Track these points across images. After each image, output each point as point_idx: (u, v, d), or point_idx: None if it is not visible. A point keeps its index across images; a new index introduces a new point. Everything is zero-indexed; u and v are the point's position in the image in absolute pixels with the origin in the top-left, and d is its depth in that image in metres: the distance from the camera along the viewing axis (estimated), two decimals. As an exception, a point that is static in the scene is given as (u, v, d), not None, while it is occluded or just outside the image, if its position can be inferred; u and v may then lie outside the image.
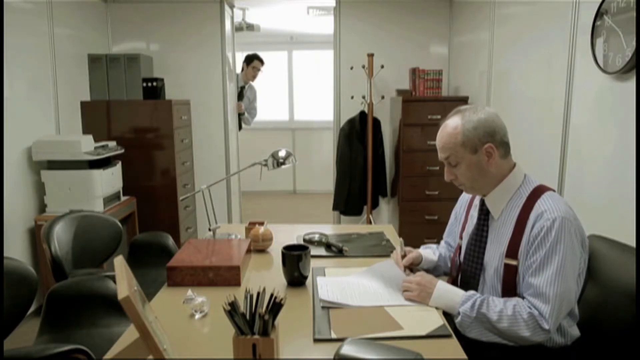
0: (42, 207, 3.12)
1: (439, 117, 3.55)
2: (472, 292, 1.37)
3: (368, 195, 4.02)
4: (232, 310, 1.03)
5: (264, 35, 5.74)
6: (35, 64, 3.12)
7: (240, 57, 4.99)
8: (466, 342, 1.27)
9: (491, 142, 1.39)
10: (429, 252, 1.70)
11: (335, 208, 4.22)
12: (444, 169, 1.48)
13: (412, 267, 1.64)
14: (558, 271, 1.28)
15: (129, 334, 1.21)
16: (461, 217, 1.64)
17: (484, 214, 1.49)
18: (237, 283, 1.54)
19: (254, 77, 4.96)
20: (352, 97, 4.12)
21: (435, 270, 1.69)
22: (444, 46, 4.19)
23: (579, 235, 1.33)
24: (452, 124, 1.42)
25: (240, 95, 4.91)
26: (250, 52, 4.94)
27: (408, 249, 1.67)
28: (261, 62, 4.95)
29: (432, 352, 1.13)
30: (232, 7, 4.47)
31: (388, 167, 4.23)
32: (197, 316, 1.32)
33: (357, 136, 4.05)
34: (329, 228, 2.18)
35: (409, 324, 1.26)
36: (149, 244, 2.41)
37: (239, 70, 4.94)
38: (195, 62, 4.15)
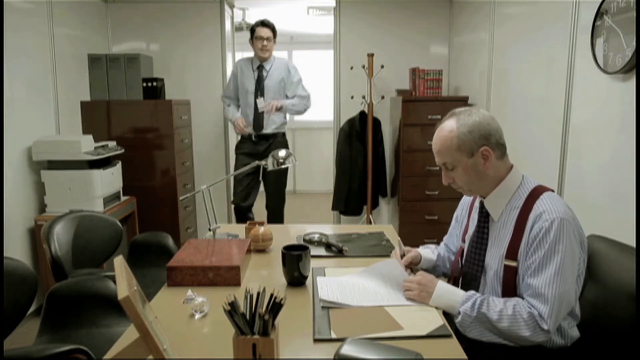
0: (42, 207, 3.12)
1: (439, 117, 3.54)
2: (472, 291, 1.37)
3: (368, 195, 4.02)
4: (232, 310, 1.03)
5: (264, 35, 5.73)
6: (35, 64, 3.12)
7: (240, 57, 4.89)
8: (466, 342, 1.27)
9: (487, 144, 1.39)
10: (428, 252, 1.70)
11: (335, 208, 4.22)
12: (442, 172, 1.49)
13: (411, 267, 1.64)
14: (557, 272, 1.28)
15: (129, 334, 1.21)
16: (463, 220, 1.65)
17: (484, 217, 1.49)
18: (237, 283, 1.54)
19: (263, 50, 3.56)
20: (352, 97, 4.12)
21: (434, 270, 1.69)
22: (444, 46, 4.19)
23: (577, 235, 1.33)
24: (447, 127, 1.42)
25: (258, 83, 3.60)
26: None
27: (407, 248, 1.67)
28: (268, 26, 3.57)
29: (432, 352, 1.13)
30: (232, 7, 4.48)
31: (388, 167, 4.23)
32: (197, 316, 1.32)
33: (357, 136, 4.05)
34: (329, 228, 2.18)
35: (409, 324, 1.26)
36: (149, 244, 2.41)
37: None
38: (195, 62, 4.15)
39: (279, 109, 3.57)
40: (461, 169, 1.42)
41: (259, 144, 3.63)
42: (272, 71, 3.65)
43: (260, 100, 3.57)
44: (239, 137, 3.75)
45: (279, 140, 3.69)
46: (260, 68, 3.64)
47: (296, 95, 3.72)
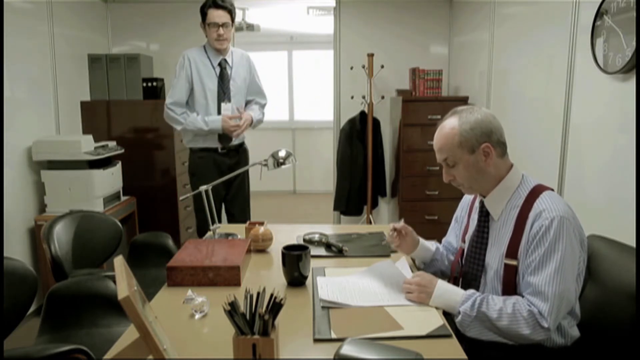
0: (42, 207, 3.12)
1: (439, 117, 3.54)
2: (472, 290, 1.38)
3: (368, 195, 4.02)
4: (232, 310, 1.03)
5: (264, 35, 5.72)
6: (35, 64, 3.12)
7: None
8: (466, 342, 1.27)
9: (488, 142, 1.39)
10: (427, 242, 1.70)
11: (335, 208, 4.21)
12: (443, 170, 1.49)
13: (413, 260, 1.64)
14: (557, 270, 1.28)
15: (129, 334, 1.21)
16: (463, 220, 1.65)
17: (484, 216, 1.49)
18: (237, 283, 1.54)
19: (220, 40, 2.71)
20: (352, 97, 4.12)
21: (432, 265, 1.68)
22: (444, 46, 4.19)
23: (577, 234, 1.34)
24: (449, 125, 1.43)
25: (222, 83, 2.79)
26: None
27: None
28: (223, 7, 2.68)
29: (432, 352, 1.13)
30: (232, 7, 4.47)
31: (388, 167, 4.23)
32: (197, 316, 1.32)
33: (357, 136, 4.05)
34: (329, 228, 2.18)
35: (409, 324, 1.26)
36: (149, 244, 2.41)
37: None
38: (195, 62, 4.14)
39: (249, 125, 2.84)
40: (462, 165, 1.42)
41: (228, 156, 2.88)
42: (236, 68, 2.85)
43: (226, 106, 2.78)
44: (191, 151, 2.87)
45: (244, 148, 3.00)
46: (223, 63, 2.81)
47: (253, 100, 2.96)
